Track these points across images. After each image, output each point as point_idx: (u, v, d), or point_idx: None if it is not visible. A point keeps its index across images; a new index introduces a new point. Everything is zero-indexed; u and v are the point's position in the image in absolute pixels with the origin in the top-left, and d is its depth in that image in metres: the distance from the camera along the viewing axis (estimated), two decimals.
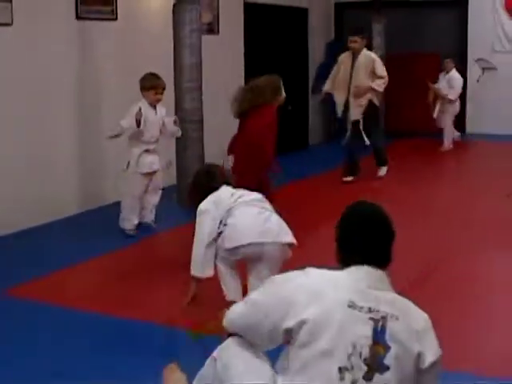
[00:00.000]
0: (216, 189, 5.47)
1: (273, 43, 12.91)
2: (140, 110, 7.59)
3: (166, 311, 5.54)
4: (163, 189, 8.25)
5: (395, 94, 14.65)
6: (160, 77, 7.87)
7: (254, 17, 12.51)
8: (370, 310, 2.55)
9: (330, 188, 10.18)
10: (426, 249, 7.36)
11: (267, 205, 5.48)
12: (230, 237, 5.26)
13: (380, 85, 10.45)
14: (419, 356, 2.55)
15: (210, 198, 5.40)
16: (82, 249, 7.29)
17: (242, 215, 5.29)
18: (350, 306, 2.55)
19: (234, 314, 2.87)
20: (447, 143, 13.31)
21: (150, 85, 7.80)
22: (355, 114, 10.41)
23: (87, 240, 7.62)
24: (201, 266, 5.37)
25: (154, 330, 5.19)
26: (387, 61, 14.61)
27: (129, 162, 7.77)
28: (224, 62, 11.38)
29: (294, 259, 5.14)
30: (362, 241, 2.70)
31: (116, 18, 9.32)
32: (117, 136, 7.75)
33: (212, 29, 11.31)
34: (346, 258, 2.74)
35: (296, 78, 14.13)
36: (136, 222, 7.90)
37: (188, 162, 8.81)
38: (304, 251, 5.63)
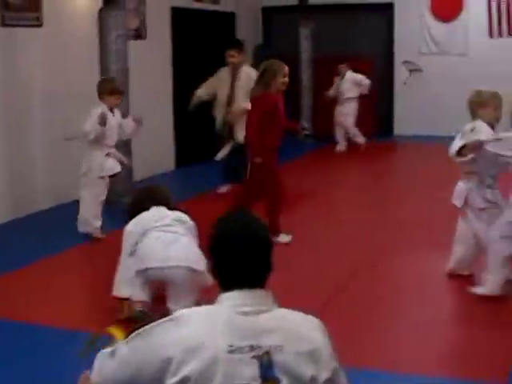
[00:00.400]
0: (146, 209, 5.50)
1: (201, 48, 12.97)
2: (103, 112, 7.65)
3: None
4: None
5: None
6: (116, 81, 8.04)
7: (181, 22, 12.55)
8: (251, 349, 2.42)
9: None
10: (353, 250, 7.52)
11: (181, 228, 5.41)
12: (135, 260, 5.31)
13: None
14: (312, 379, 2.47)
15: (136, 219, 5.44)
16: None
17: (148, 240, 5.30)
18: (230, 352, 2.41)
19: (106, 370, 2.63)
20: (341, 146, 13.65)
21: (111, 88, 7.85)
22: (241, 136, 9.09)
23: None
24: (119, 285, 5.43)
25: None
26: (315, 64, 14.91)
27: (90, 167, 7.79)
28: (152, 67, 11.42)
29: None
30: (241, 260, 2.52)
31: (42, 25, 9.30)
32: (74, 138, 7.80)
33: (139, 34, 11.35)
34: (224, 278, 2.57)
35: None
36: (99, 224, 7.94)
37: None
38: None
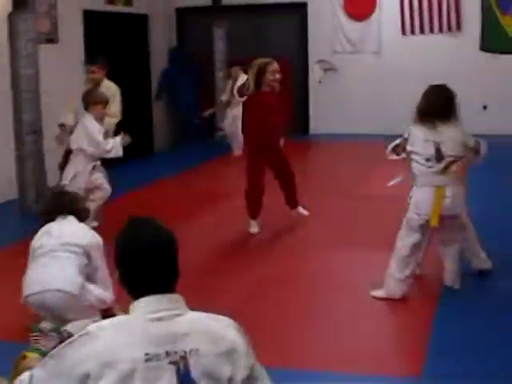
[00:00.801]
0: (52, 220, 5.45)
1: (114, 50, 12.89)
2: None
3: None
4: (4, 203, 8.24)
5: None
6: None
7: (93, 25, 12.48)
8: (167, 355, 2.46)
9: (177, 192, 10.36)
10: (266, 250, 7.60)
11: (68, 249, 5.25)
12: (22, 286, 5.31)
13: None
14: (230, 380, 2.52)
15: (40, 231, 5.43)
16: None
17: (31, 266, 5.29)
18: (147, 360, 2.45)
19: None
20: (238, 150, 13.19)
21: (100, 99, 7.89)
22: None
23: None
24: None
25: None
26: (231, 65, 14.98)
27: (75, 175, 7.79)
28: (64, 70, 11.33)
29: None
30: (147, 267, 2.56)
31: None
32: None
33: (51, 38, 11.26)
34: (132, 286, 2.60)
35: (139, 85, 14.19)
36: None
37: (28, 174, 8.79)
38: None
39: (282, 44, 15.81)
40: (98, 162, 8.01)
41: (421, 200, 5.94)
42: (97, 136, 7.73)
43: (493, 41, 14.96)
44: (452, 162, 5.87)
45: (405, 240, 6.03)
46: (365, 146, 13.45)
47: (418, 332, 5.39)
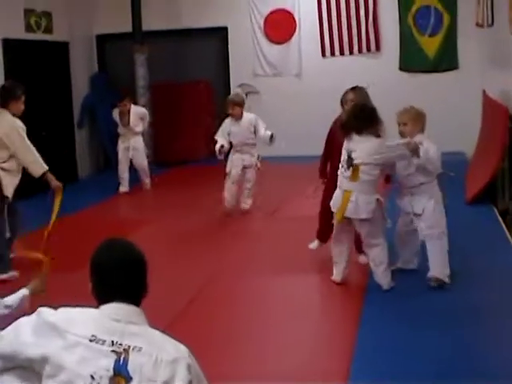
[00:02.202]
0: None
1: (35, 79, 12.91)
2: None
3: None
4: None
5: (165, 124, 15.18)
6: None
7: (14, 53, 12.50)
8: (112, 344, 2.69)
9: (100, 221, 10.39)
10: (194, 272, 7.71)
11: None
12: None
13: None
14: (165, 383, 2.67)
15: None
16: None
17: None
18: (91, 340, 2.69)
19: None
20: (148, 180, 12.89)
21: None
22: None
23: None
24: None
25: None
26: (153, 91, 15.08)
27: None
28: None
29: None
30: (116, 281, 2.84)
31: None
32: None
33: None
34: (101, 296, 2.87)
35: (60, 112, 14.24)
36: None
37: None
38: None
39: (204, 68, 16.00)
40: None
41: (334, 199, 6.84)
42: None
43: (411, 60, 15.40)
44: (356, 169, 6.56)
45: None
46: (289, 168, 13.68)
47: (343, 337, 5.66)
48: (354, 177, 6.58)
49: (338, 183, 6.80)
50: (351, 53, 15.55)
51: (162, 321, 5.70)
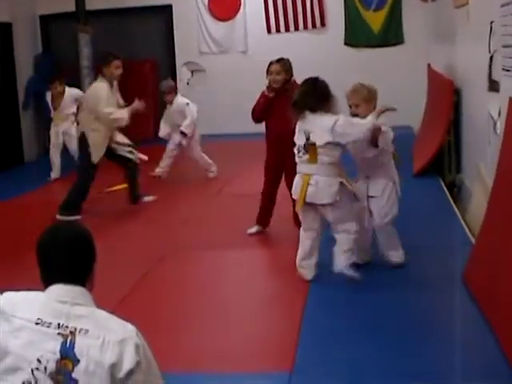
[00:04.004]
0: None
1: None
2: None
3: None
4: None
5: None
6: None
7: None
8: (58, 326, 2.67)
9: (43, 204, 10.22)
10: (144, 250, 7.72)
11: None
12: None
13: None
14: (114, 366, 2.65)
15: None
16: None
17: None
18: (37, 324, 2.68)
19: None
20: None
21: None
22: None
23: None
24: None
25: None
26: (98, 71, 14.92)
27: None
28: None
29: None
30: (59, 261, 2.79)
31: None
32: None
33: None
34: (46, 278, 2.83)
35: (5, 94, 14.06)
36: None
37: None
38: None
39: (149, 47, 15.90)
40: None
41: (295, 185, 6.44)
42: None
43: (356, 36, 15.45)
44: (313, 151, 6.18)
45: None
46: (236, 146, 13.68)
47: (288, 326, 5.55)
48: (312, 159, 6.19)
49: (297, 168, 6.41)
50: (296, 29, 15.57)
51: (110, 302, 5.69)
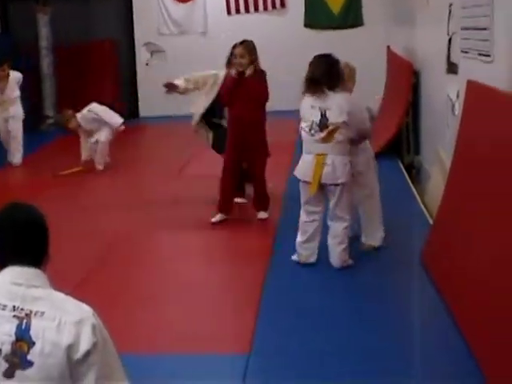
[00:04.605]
0: None
1: None
2: None
3: None
4: None
5: (69, 85, 14.92)
6: None
7: None
8: (14, 309, 2.64)
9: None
10: (103, 233, 7.62)
11: None
12: None
13: None
14: (70, 347, 2.63)
15: None
16: None
17: None
18: None
19: None
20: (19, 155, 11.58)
21: None
22: None
23: None
24: None
25: None
26: (58, 52, 14.79)
27: None
28: None
29: None
30: (13, 242, 2.75)
31: None
32: None
33: None
34: (0, 260, 2.77)
35: None
36: None
37: None
38: None
39: (108, 27, 15.74)
40: None
41: (301, 165, 6.21)
42: None
43: (316, 17, 15.44)
44: (333, 131, 5.99)
45: (302, 207, 6.32)
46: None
47: (247, 309, 5.54)
48: (329, 137, 5.99)
49: (305, 149, 6.19)
50: (256, 10, 15.54)
51: (67, 284, 5.63)
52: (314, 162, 6.05)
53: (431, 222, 6.94)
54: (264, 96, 7.54)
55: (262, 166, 7.69)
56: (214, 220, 7.69)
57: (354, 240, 6.54)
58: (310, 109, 6.11)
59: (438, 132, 8.30)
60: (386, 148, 10.18)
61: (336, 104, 6.03)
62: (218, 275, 6.49)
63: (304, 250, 6.33)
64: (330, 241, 6.26)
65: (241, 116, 7.46)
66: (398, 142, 10.42)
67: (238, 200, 8.09)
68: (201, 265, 6.75)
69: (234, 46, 7.52)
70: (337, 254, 6.23)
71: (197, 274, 6.45)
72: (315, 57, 6.37)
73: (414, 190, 8.62)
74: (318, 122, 6.05)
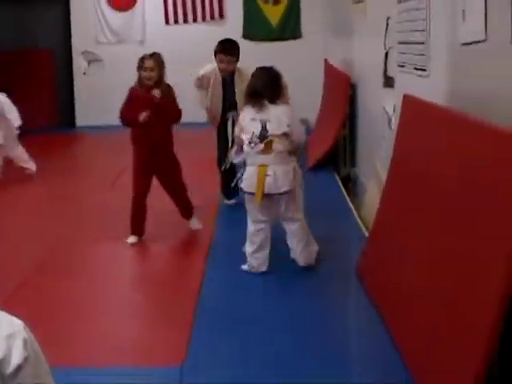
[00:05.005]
0: None
1: None
2: None
3: None
4: None
5: (6, 93, 14.69)
6: None
7: None
8: None
9: None
10: (34, 245, 7.51)
11: None
12: None
13: None
14: (1, 362, 2.53)
15: None
16: None
17: None
18: None
19: None
20: None
21: None
22: None
23: None
24: None
25: None
26: None
27: None
28: None
29: None
30: None
31: None
32: None
33: None
34: None
35: None
36: None
37: None
38: None
39: (45, 36, 15.62)
40: None
41: (245, 177, 6.23)
42: None
43: (255, 29, 15.51)
44: (271, 142, 6.08)
45: (248, 218, 6.40)
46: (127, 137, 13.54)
47: (181, 320, 5.50)
48: (268, 149, 6.08)
49: (248, 161, 6.22)
50: (195, 20, 15.55)
51: None
52: (256, 173, 6.12)
53: (367, 234, 6.98)
54: (177, 113, 7.40)
55: (179, 174, 7.55)
56: (129, 241, 7.42)
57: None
58: (250, 121, 6.19)
59: (374, 145, 8.37)
60: (322, 160, 10.23)
61: (276, 116, 6.13)
62: (151, 286, 6.43)
63: (255, 259, 6.37)
64: (289, 241, 6.40)
65: (150, 134, 7.22)
66: (335, 155, 10.48)
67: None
68: (134, 277, 6.72)
69: (143, 59, 7.23)
70: (298, 252, 6.36)
71: (130, 287, 6.42)
72: (257, 69, 6.50)
73: (350, 202, 8.66)
74: (258, 134, 6.12)
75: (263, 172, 6.11)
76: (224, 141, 8.46)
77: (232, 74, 8.40)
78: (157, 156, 7.29)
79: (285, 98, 6.39)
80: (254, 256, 6.37)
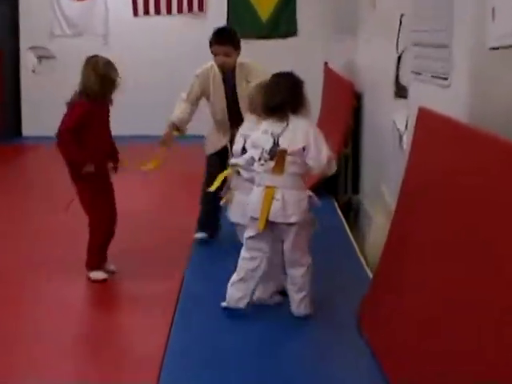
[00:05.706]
0: None
1: None
2: None
3: None
4: None
5: None
6: None
7: None
8: None
9: None
10: None
11: None
12: None
13: None
14: None
15: None
16: None
17: None
18: None
19: None
20: None
21: None
22: None
23: None
24: None
25: None
26: None
27: None
28: None
29: None
30: None
31: None
32: None
33: None
34: None
35: None
36: None
37: None
38: None
39: None
40: None
41: (250, 199, 6.18)
42: None
43: (241, 24, 15.46)
44: (282, 158, 5.96)
45: (244, 243, 6.33)
46: None
47: (155, 336, 5.89)
48: (279, 168, 5.97)
49: (256, 181, 6.16)
50: (169, 12, 15.55)
51: None
52: (262, 195, 6.04)
53: (371, 275, 6.93)
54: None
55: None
56: (94, 277, 7.38)
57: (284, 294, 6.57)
58: (261, 134, 6.13)
59: (381, 167, 8.35)
60: (318, 185, 10.16)
61: (291, 130, 6.04)
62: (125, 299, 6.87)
63: (236, 290, 6.29)
64: (289, 287, 6.34)
65: (100, 145, 7.34)
66: (334, 178, 10.41)
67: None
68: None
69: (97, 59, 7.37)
70: (295, 302, 6.30)
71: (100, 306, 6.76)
72: (273, 76, 6.42)
73: (351, 236, 8.62)
74: (268, 149, 6.05)
75: (270, 195, 6.01)
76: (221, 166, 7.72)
77: (234, 71, 8.27)
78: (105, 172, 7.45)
79: (306, 109, 6.23)
80: (236, 286, 6.30)
